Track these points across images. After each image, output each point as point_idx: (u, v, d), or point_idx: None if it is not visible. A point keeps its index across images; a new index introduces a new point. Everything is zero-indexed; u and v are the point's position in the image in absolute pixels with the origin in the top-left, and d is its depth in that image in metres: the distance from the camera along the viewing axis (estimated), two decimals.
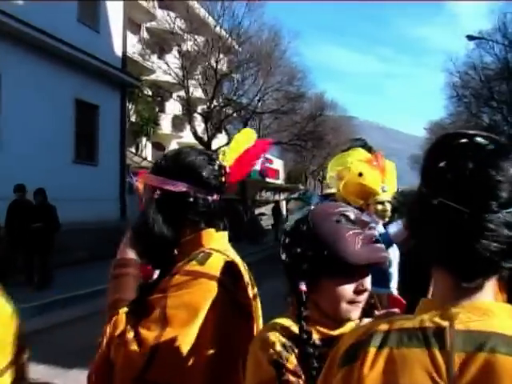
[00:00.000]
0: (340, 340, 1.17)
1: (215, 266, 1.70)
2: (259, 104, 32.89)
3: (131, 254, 1.81)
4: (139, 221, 1.82)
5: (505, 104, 31.09)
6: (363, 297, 1.57)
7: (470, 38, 27.33)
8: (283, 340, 1.51)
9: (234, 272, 1.76)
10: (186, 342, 1.59)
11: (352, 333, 1.16)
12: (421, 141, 60.45)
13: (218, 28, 28.96)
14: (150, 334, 1.59)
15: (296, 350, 1.49)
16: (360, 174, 4.32)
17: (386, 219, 4.43)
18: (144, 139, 33.04)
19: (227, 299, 1.68)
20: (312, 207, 1.63)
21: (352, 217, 1.57)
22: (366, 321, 1.55)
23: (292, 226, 1.62)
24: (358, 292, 1.55)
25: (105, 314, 1.73)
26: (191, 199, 1.79)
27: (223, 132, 32.68)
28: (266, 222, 32.67)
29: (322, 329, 1.56)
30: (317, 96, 41.13)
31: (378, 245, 1.56)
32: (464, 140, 1.06)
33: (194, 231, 1.81)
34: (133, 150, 30.78)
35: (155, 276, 1.92)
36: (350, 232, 1.52)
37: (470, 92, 33.91)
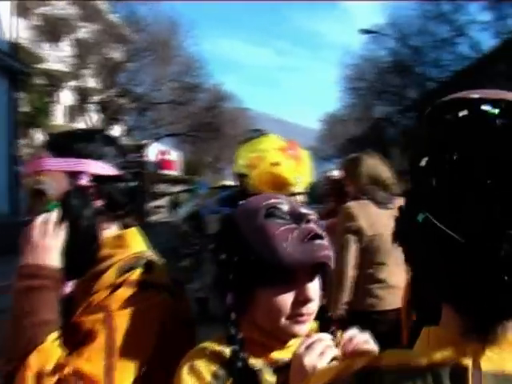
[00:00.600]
0: None
1: (162, 273, 1.48)
2: (156, 94, 32.33)
3: (49, 259, 1.36)
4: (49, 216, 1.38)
5: (397, 96, 32.34)
6: (308, 309, 1.27)
7: (364, 31, 28.20)
8: (214, 368, 1.22)
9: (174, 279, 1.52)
10: (139, 373, 1.31)
11: (320, 375, 0.83)
12: (316, 133, 61.87)
13: (111, 15, 28.16)
14: (94, 369, 1.25)
15: (230, 380, 1.21)
16: (275, 164, 4.19)
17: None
18: (36, 130, 31.60)
19: (177, 312, 1.45)
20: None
21: (285, 209, 1.30)
22: (318, 336, 1.20)
23: (219, 227, 1.38)
24: (298, 303, 1.26)
25: (9, 343, 1.28)
26: (122, 185, 1.47)
27: (119, 123, 31.86)
28: (164, 214, 32.26)
29: (265, 352, 1.28)
30: (214, 87, 40.97)
31: (319, 241, 1.26)
32: (463, 112, 0.70)
33: (109, 226, 1.51)
34: (25, 141, 29.35)
35: (68, 287, 1.47)
36: (281, 228, 1.24)
37: (364, 84, 35.00)
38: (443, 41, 25.52)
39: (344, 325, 1.41)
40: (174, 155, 46.51)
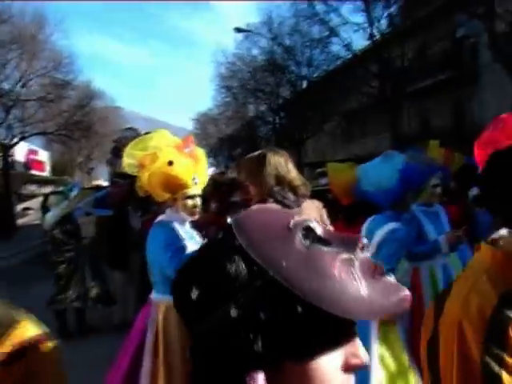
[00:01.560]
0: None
1: None
2: (23, 90, 30.63)
3: None
4: None
5: (270, 95, 32.96)
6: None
7: (238, 30, 28.50)
8: None
9: None
10: None
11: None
12: (188, 132, 61.59)
13: None
14: None
15: None
16: (170, 163, 3.61)
17: (196, 216, 3.84)
18: None
19: None
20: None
21: (319, 230, 0.87)
22: None
23: (192, 262, 0.89)
24: (349, 367, 0.85)
25: None
26: None
27: None
28: (33, 216, 30.76)
29: None
30: (84, 84, 39.57)
31: (388, 278, 0.86)
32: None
33: None
34: None
35: None
36: (336, 259, 0.81)
37: (237, 83, 35.28)
38: (316, 41, 26.32)
39: None
40: (44, 155, 44.48)
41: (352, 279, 0.80)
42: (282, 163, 3.19)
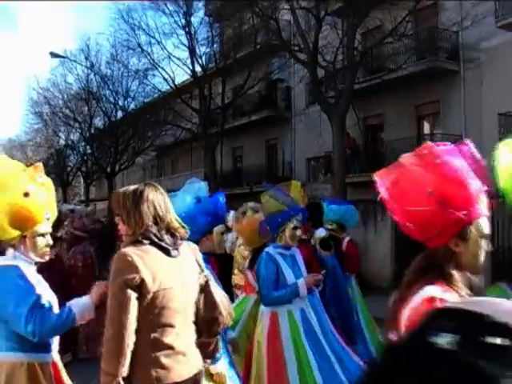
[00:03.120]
0: None
1: None
2: None
3: None
4: None
5: (83, 124, 31.81)
6: None
7: (54, 55, 27.05)
8: None
9: None
10: None
11: None
12: None
13: None
14: None
15: None
16: (26, 194, 3.04)
17: (47, 257, 3.27)
18: None
19: None
20: None
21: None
22: None
23: None
24: None
25: None
26: None
27: None
28: None
29: None
30: None
31: None
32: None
33: None
34: None
35: None
36: None
37: (50, 109, 33.57)
38: (135, 72, 25.96)
39: None
40: None
41: None
42: (160, 202, 2.82)
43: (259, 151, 27.97)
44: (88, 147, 33.56)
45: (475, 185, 2.00)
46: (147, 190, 2.80)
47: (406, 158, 2.11)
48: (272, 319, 4.74)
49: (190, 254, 2.93)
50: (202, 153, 24.54)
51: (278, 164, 26.64)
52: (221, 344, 3.18)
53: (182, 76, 26.63)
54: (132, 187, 2.87)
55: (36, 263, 3.20)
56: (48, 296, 3.09)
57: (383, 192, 2.10)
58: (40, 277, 3.19)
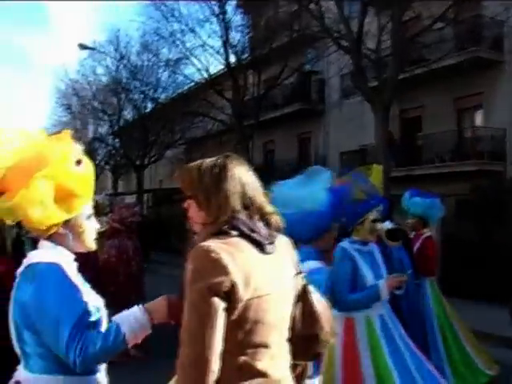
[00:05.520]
0: None
1: None
2: None
3: None
4: None
5: (112, 116, 31.24)
6: None
7: (82, 47, 26.63)
8: None
9: None
10: None
11: None
12: None
13: None
14: None
15: None
16: (78, 162, 2.29)
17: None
18: None
19: None
20: None
21: None
22: None
23: None
24: None
25: None
26: None
27: None
28: None
29: None
30: None
31: None
32: None
33: None
34: None
35: None
36: None
37: (79, 102, 33.09)
38: (166, 61, 25.26)
39: None
40: None
41: None
42: (248, 178, 2.04)
43: (291, 145, 27.32)
44: (117, 140, 33.08)
45: None
46: (231, 164, 2.03)
47: None
48: (347, 325, 4.03)
49: (286, 249, 2.15)
50: (233, 147, 23.86)
51: (310, 158, 25.88)
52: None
53: (214, 67, 25.71)
54: (208, 160, 2.08)
55: (75, 259, 2.46)
56: (94, 301, 2.35)
57: None
58: (81, 277, 2.46)
